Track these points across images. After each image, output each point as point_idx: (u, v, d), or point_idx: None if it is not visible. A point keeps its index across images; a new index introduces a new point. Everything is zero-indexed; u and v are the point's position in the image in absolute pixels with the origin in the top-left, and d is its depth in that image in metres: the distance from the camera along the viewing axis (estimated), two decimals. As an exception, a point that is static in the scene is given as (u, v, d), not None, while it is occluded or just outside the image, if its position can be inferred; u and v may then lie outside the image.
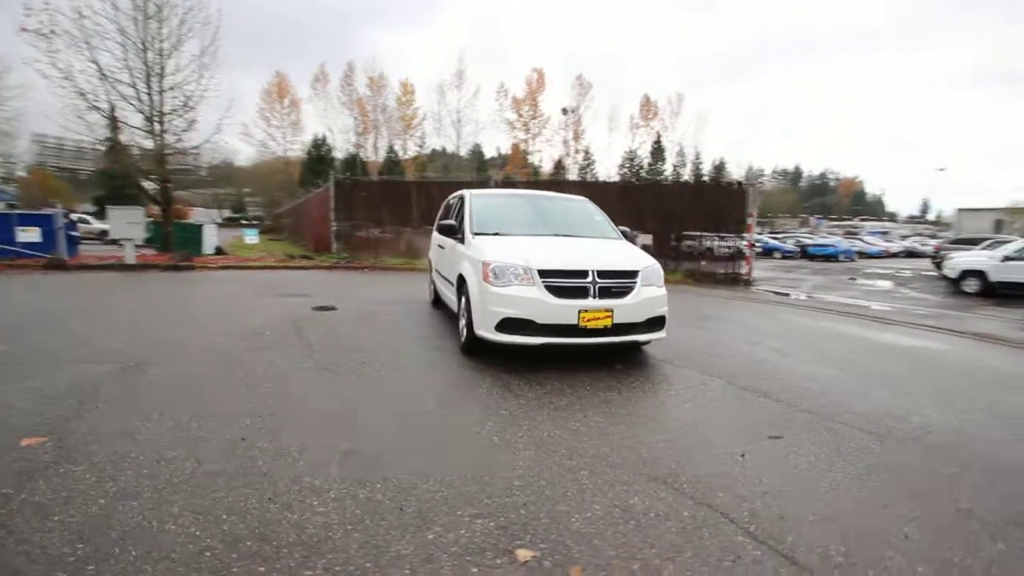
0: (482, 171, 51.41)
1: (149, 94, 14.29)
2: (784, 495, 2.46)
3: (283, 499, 2.27)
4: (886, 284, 17.24)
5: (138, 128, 14.61)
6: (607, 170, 54.96)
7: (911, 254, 36.96)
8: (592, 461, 2.75)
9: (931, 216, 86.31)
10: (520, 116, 52.09)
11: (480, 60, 77.31)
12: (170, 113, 14.89)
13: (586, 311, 4.32)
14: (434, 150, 53.97)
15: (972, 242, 20.71)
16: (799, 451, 2.97)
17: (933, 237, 50.27)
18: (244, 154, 46.94)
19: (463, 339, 5.00)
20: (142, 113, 14.37)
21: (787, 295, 12.48)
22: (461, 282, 5.15)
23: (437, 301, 7.60)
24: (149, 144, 14.93)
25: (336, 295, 8.69)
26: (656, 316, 4.68)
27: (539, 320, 4.30)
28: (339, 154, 46.84)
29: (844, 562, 1.97)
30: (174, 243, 15.87)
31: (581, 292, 4.40)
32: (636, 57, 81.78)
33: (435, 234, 7.51)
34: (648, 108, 54.46)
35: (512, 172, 54.14)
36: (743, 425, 3.36)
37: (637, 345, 5.08)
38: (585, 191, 10.75)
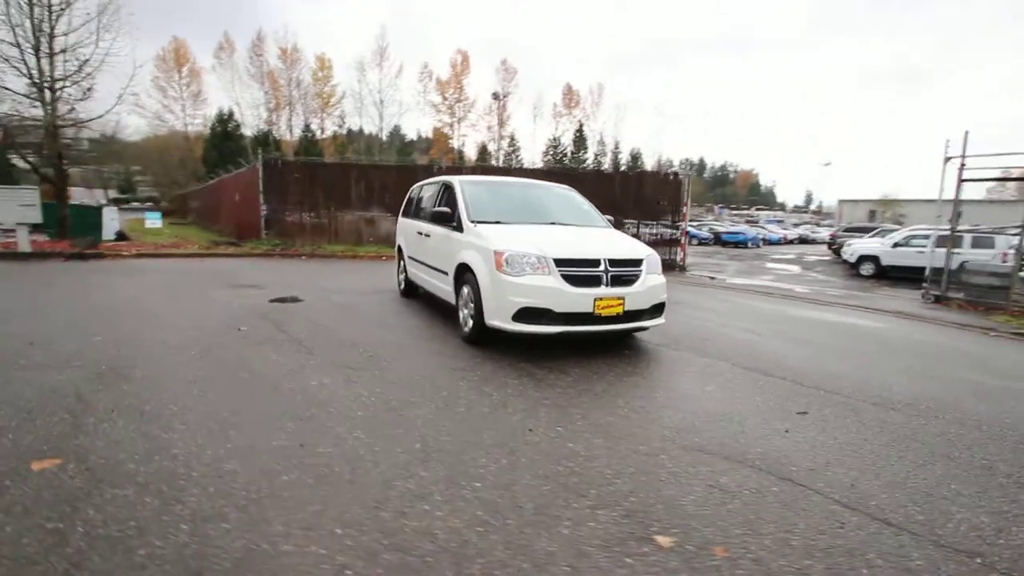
0: (405, 154, 50.08)
1: (37, 57, 12.34)
2: (843, 465, 2.71)
3: (391, 505, 2.14)
4: (795, 268, 19.09)
5: (23, 95, 12.59)
6: (532, 157, 55.65)
7: (804, 240, 41.06)
8: (663, 446, 2.85)
9: (813, 206, 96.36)
10: (445, 99, 51.18)
11: (403, 38, 74.58)
12: (63, 80, 12.98)
13: (601, 299, 4.41)
14: (351, 130, 51.54)
15: (863, 230, 23.47)
16: (829, 425, 3.27)
17: (819, 225, 56.02)
18: (134, 127, 41.93)
19: (467, 329, 4.91)
20: (28, 78, 12.39)
21: (718, 279, 13.44)
22: (463, 271, 5.04)
23: (410, 291, 7.37)
24: (38, 114, 12.93)
25: (292, 285, 8.14)
26: (658, 303, 4.88)
27: (557, 309, 4.33)
28: (248, 131, 43.37)
29: (927, 519, 2.22)
30: (71, 228, 13.98)
31: (595, 281, 4.48)
32: (558, 47, 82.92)
33: (408, 221, 7.26)
34: (571, 97, 55.67)
35: (436, 156, 53.25)
36: (768, 403, 3.63)
37: (637, 331, 5.26)
38: (532, 178, 10.84)
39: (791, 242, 39.60)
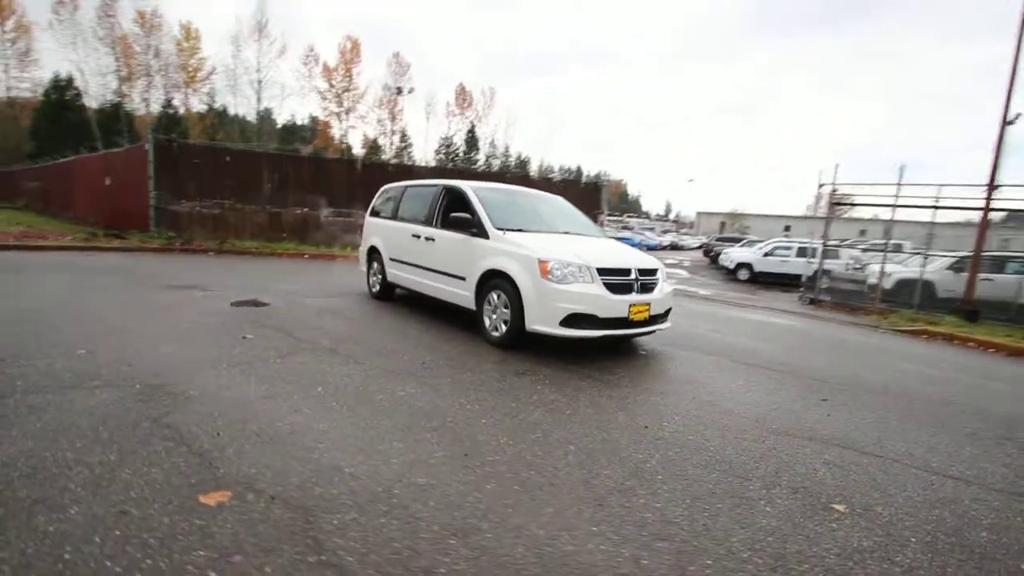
0: (287, 142, 46.43)
1: None
2: (890, 439, 3.42)
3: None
4: (683, 272, 21.44)
5: None
6: (424, 154, 54.91)
7: (675, 247, 45.85)
8: (759, 433, 3.33)
9: (672, 216, 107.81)
10: (332, 86, 48.36)
11: (287, 14, 68.42)
12: None
13: (634, 305, 4.83)
14: (221, 111, 46.37)
15: (733, 240, 27.02)
16: (850, 406, 4.03)
17: (685, 234, 62.69)
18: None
19: (496, 334, 5.03)
20: None
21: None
22: (490, 277, 5.13)
23: (385, 293, 7.16)
24: None
25: (238, 287, 7.46)
26: (668, 308, 5.44)
27: (600, 315, 4.66)
28: (93, 102, 37.04)
29: (977, 475, 2.95)
30: None
31: (628, 288, 4.89)
32: (452, 49, 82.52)
33: (389, 223, 7.07)
34: (464, 97, 55.90)
35: (321, 147, 50.16)
36: (792, 393, 4.32)
37: (652, 333, 5.69)
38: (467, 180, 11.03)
39: (664, 248, 43.97)
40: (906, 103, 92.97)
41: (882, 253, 13.04)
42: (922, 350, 6.86)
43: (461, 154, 56.29)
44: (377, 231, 7.42)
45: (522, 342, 4.93)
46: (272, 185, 14.48)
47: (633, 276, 4.94)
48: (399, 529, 2.03)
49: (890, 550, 2.15)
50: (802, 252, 18.47)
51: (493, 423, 3.17)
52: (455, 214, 5.61)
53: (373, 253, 7.50)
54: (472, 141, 56.93)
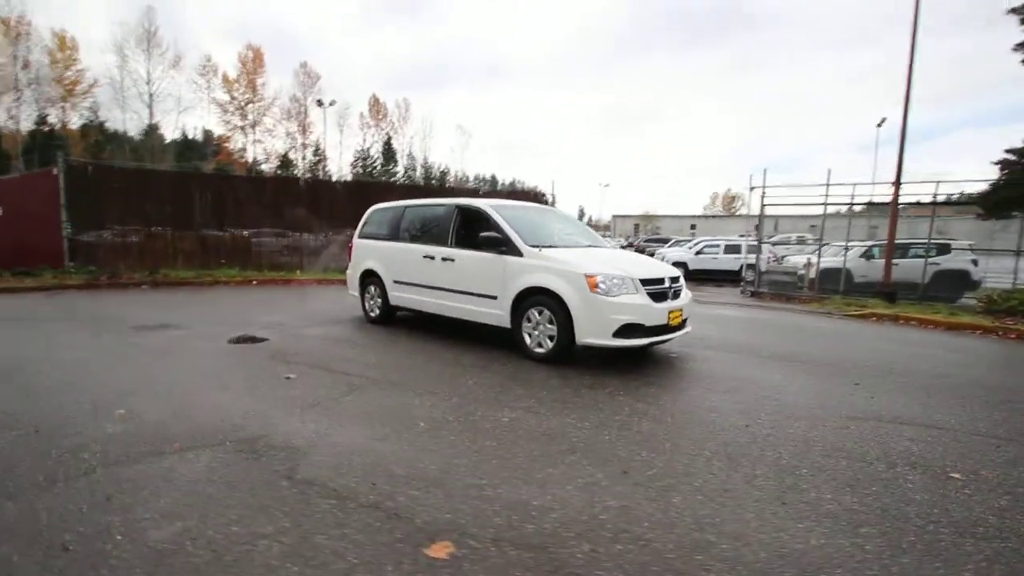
0: (185, 159, 42.80)
1: None
2: (933, 412, 3.92)
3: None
4: (622, 274, 22.50)
5: None
6: (339, 168, 52.94)
7: (597, 249, 47.78)
8: (840, 421, 3.68)
9: (585, 219, 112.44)
10: (233, 98, 45.35)
11: (176, 23, 62.58)
12: None
13: (672, 311, 5.11)
14: (102, 126, 41.76)
15: (661, 240, 28.73)
16: (879, 388, 4.55)
17: (605, 236, 65.33)
18: None
19: (541, 350, 5.10)
20: None
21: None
22: (530, 295, 5.19)
23: (386, 317, 6.94)
24: None
25: (214, 322, 6.96)
26: (690, 312, 5.79)
27: (647, 323, 4.88)
28: (-57, 120, 31.88)
29: (999, 435, 3.49)
30: None
31: (664, 296, 5.15)
32: (357, 61, 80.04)
33: (391, 244, 6.88)
34: (378, 109, 54.70)
35: (225, 163, 46.80)
36: (823, 381, 4.79)
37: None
38: (414, 194, 11.00)
39: (589, 251, 45.69)
40: (781, 108, 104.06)
41: (791, 247, 14.69)
42: (882, 331, 7.79)
43: (379, 166, 55.00)
44: (372, 253, 7.16)
45: (564, 357, 5.03)
46: (205, 208, 13.37)
47: (667, 284, 5.22)
48: (642, 552, 2.08)
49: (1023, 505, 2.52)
50: (728, 249, 20.14)
51: (615, 438, 3.26)
52: (484, 233, 5.60)
53: (368, 276, 7.23)
54: (389, 153, 55.81)
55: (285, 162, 49.20)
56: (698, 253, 20.25)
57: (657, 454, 3.02)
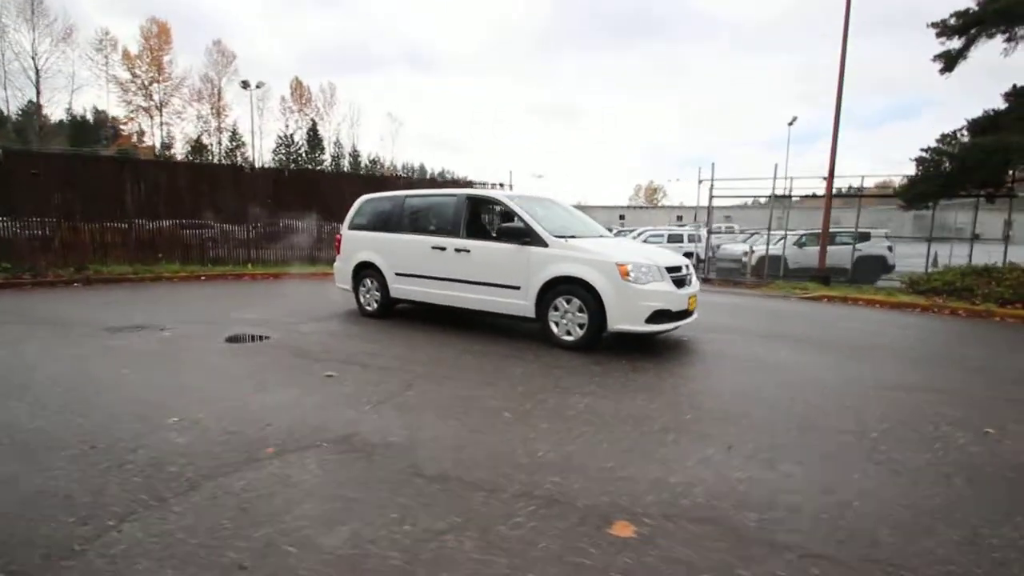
0: (78, 142, 38.27)
1: None
2: (934, 380, 4.48)
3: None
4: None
5: None
6: (260, 154, 49.63)
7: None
8: (876, 391, 4.12)
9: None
10: (135, 77, 41.10)
11: None
12: None
13: (690, 296, 5.41)
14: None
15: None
16: (877, 360, 5.10)
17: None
18: None
19: (575, 337, 5.21)
20: None
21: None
22: (557, 284, 5.27)
23: (385, 310, 6.75)
24: None
25: (190, 320, 6.54)
26: (695, 297, 6.14)
27: (673, 308, 5.13)
28: None
29: (999, 396, 4.09)
30: None
31: (683, 282, 5.43)
32: (277, 42, 74.61)
33: (387, 236, 6.70)
34: (301, 93, 51.77)
35: (127, 146, 42.45)
36: (827, 356, 5.29)
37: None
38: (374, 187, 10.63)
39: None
40: (694, 106, 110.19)
41: (723, 236, 15.85)
42: (842, 311, 8.59)
43: (303, 154, 52.19)
44: (368, 245, 6.91)
45: (595, 344, 5.19)
46: (138, 198, 12.13)
47: (684, 271, 5.51)
48: (798, 517, 2.26)
49: (1051, 453, 3.00)
50: (672, 239, 21.25)
51: (694, 417, 3.45)
52: (507, 224, 5.59)
53: (363, 269, 6.98)
54: (315, 140, 53.06)
55: (198, 147, 45.41)
56: (643, 243, 21.18)
57: (742, 429, 3.25)
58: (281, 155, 49.76)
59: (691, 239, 20.26)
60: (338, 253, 7.42)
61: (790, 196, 14.26)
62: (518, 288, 5.55)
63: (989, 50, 10.24)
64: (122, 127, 44.83)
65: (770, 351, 5.44)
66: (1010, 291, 8.18)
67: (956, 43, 10.03)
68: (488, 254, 5.77)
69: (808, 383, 4.28)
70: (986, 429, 3.31)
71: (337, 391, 3.86)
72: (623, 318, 4.99)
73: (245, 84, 33.13)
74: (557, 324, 5.34)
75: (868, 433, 3.22)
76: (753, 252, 15.74)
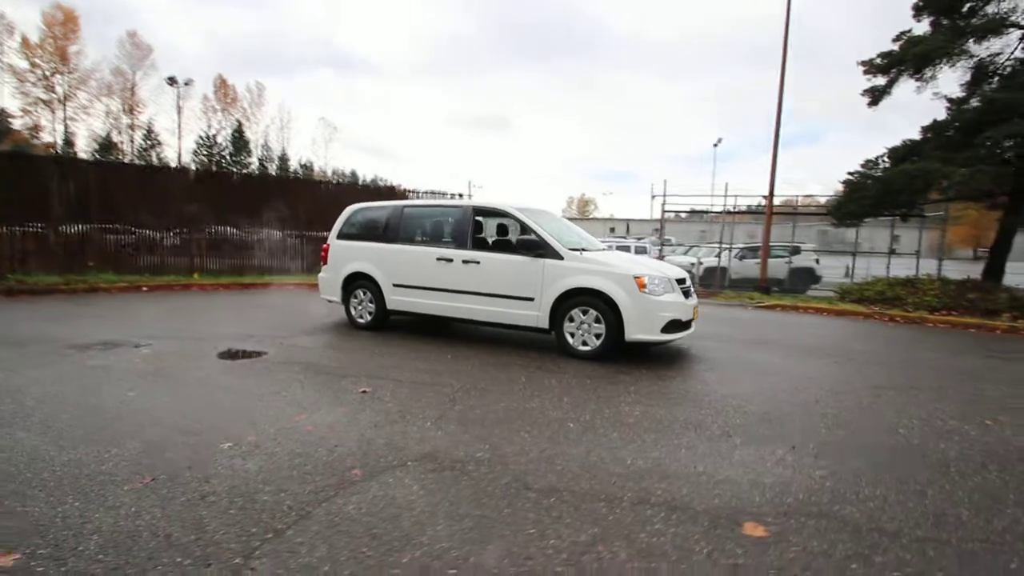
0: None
1: None
2: (920, 381, 5.02)
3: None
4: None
5: None
6: (178, 155, 46.11)
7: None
8: (888, 392, 4.55)
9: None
10: (35, 67, 37.02)
11: None
12: None
13: (695, 307, 5.72)
14: None
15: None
16: (862, 364, 5.62)
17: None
18: None
19: (592, 347, 5.33)
20: None
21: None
22: (572, 295, 5.38)
23: (379, 322, 6.56)
24: None
25: (161, 336, 6.03)
26: (687, 308, 6.47)
27: (683, 318, 5.40)
28: None
29: (974, 395, 4.67)
30: None
31: (688, 293, 5.73)
32: (201, 36, 69.44)
33: (385, 247, 6.56)
34: (226, 92, 48.80)
35: (21, 142, 37.99)
36: (816, 360, 5.76)
37: None
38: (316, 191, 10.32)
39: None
40: (610, 124, 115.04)
41: (665, 248, 16.76)
42: (797, 319, 9.32)
43: (228, 156, 49.12)
44: (361, 256, 6.69)
45: (613, 353, 5.34)
46: (67, 202, 10.94)
47: (687, 283, 5.81)
48: (918, 504, 2.49)
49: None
50: (619, 249, 22.06)
51: (742, 421, 3.66)
52: (522, 236, 5.65)
53: (355, 280, 6.74)
54: (240, 142, 50.09)
55: (106, 145, 41.49)
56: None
57: (791, 430, 3.49)
58: (203, 156, 46.52)
59: (638, 251, 21.18)
60: (324, 263, 7.11)
61: (735, 212, 15.31)
62: (531, 299, 5.60)
63: (902, 87, 11.70)
64: (11, 120, 40.00)
65: (764, 357, 5.84)
66: (936, 300, 9.30)
67: (881, 80, 11.32)
68: (499, 266, 5.78)
69: (817, 386, 4.66)
70: (986, 421, 3.78)
71: (382, 407, 3.72)
72: (640, 328, 5.18)
73: (171, 80, 30.61)
74: (572, 335, 5.44)
75: (896, 429, 3.58)
76: (701, 264, 16.77)
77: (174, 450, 2.90)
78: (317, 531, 2.16)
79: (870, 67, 11.33)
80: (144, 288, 10.37)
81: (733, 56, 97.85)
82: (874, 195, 11.60)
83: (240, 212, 13.04)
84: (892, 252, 14.27)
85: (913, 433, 3.50)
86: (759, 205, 14.82)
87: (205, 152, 47.14)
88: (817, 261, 16.44)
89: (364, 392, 4.05)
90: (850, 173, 12.59)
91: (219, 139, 48.28)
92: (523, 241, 5.63)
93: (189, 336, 6.01)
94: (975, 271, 11.68)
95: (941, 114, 11.20)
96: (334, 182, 30.18)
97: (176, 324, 6.84)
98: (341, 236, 6.97)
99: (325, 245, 7.14)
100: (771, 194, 13.87)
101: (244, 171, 43.92)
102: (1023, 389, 4.80)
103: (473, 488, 2.56)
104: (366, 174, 65.92)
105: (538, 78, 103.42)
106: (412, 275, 6.29)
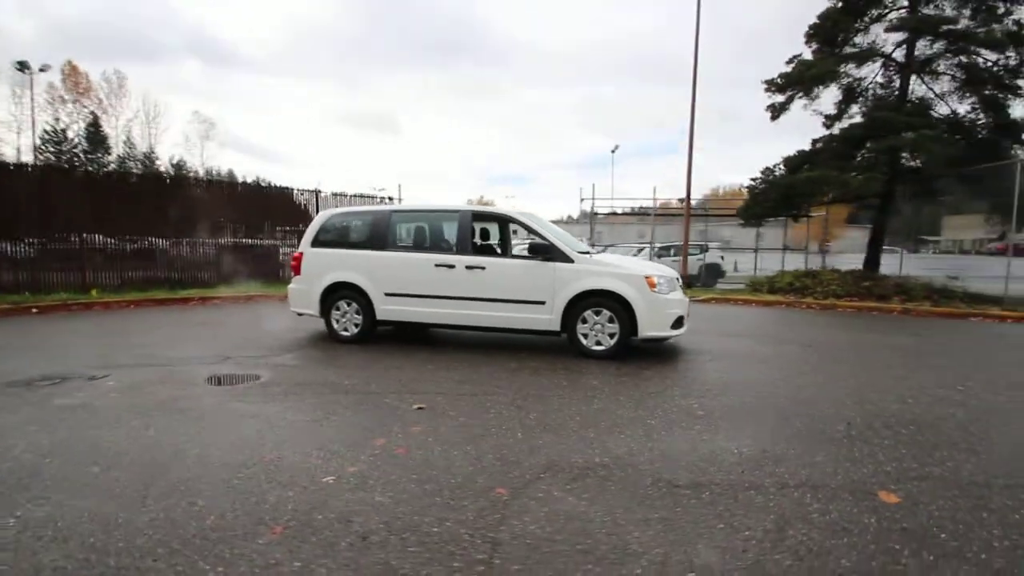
0: None
1: None
2: (896, 372, 5.83)
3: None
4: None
5: None
6: (17, 151, 38.99)
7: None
8: (892, 385, 5.20)
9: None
10: None
11: None
12: None
13: (689, 304, 6.12)
14: None
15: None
16: (827, 348, 6.38)
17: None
18: None
19: (606, 347, 5.49)
20: None
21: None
22: (584, 297, 5.51)
23: (366, 335, 6.20)
24: None
25: (115, 365, 5.25)
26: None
27: (685, 314, 5.76)
28: None
29: (952, 381, 5.56)
30: None
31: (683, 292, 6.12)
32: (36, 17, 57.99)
33: (373, 254, 6.21)
34: (77, 80, 42.21)
35: None
36: (792, 347, 6.44)
37: None
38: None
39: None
40: (506, 129, 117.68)
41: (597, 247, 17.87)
42: (735, 310, 10.19)
43: (82, 153, 42.56)
44: (344, 264, 6.26)
45: (625, 352, 5.55)
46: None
47: (680, 282, 6.20)
48: (985, 461, 2.92)
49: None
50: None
51: (791, 408, 4.03)
52: (532, 241, 5.65)
53: (337, 291, 6.28)
54: (98, 137, 43.64)
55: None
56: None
57: (830, 412, 3.92)
58: (50, 153, 39.82)
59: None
60: (296, 274, 6.53)
61: (653, 213, 16.46)
62: (542, 303, 5.63)
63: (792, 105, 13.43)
64: None
65: (747, 346, 6.43)
66: (840, 288, 10.81)
67: (780, 98, 12.89)
68: (508, 271, 5.74)
69: (810, 371, 5.25)
70: (958, 387, 4.54)
71: (455, 423, 3.55)
72: (652, 326, 5.44)
73: (22, 65, 25.37)
74: (586, 336, 5.56)
75: (905, 399, 4.17)
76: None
77: (270, 492, 2.55)
78: (526, 555, 2.04)
79: (771, 85, 12.85)
80: (34, 310, 8.72)
81: (616, 67, 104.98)
82: (776, 198, 13.17)
83: (128, 217, 11.48)
84: (785, 248, 16.29)
85: (926, 411, 4.10)
86: (649, 208, 16.24)
87: (53, 148, 40.41)
88: (722, 258, 18.26)
89: (421, 409, 3.83)
90: (752, 179, 14.16)
91: (69, 134, 41.65)
92: (531, 245, 5.65)
93: (150, 363, 5.21)
94: (831, 263, 13.92)
95: (812, 130, 13.07)
96: (244, 184, 27.19)
97: (119, 350, 5.86)
98: (316, 243, 6.45)
99: (297, 254, 6.56)
100: (688, 197, 15.16)
101: (96, 168, 38.33)
102: (969, 359, 5.82)
103: (627, 492, 2.57)
104: (246, 174, 60.55)
105: (426, 80, 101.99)
106: (407, 283, 6.01)
